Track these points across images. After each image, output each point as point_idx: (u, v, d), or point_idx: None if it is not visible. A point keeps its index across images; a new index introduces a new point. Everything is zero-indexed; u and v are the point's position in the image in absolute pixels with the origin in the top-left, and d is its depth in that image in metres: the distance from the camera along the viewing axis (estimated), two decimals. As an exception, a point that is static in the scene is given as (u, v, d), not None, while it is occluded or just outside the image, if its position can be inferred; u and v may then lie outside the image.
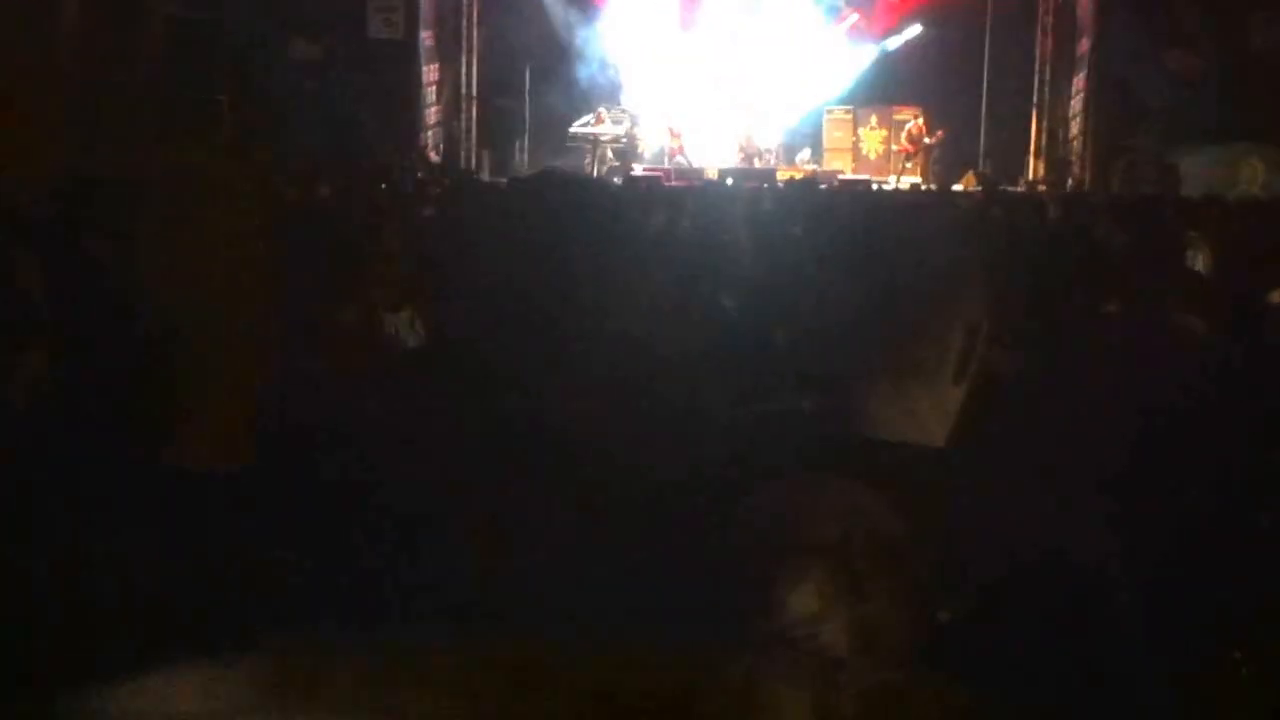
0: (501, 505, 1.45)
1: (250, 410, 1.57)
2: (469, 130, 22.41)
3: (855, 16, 22.59)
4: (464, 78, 22.35)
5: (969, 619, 1.29)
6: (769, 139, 22.55)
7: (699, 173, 20.37)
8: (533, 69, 21.41)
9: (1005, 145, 21.80)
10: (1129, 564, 1.46)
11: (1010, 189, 18.22)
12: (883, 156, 22.52)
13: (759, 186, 13.41)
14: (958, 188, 18.56)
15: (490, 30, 22.09)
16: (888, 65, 22.33)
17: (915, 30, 22.16)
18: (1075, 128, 21.24)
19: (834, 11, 22.66)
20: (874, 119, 22.61)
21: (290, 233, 2.65)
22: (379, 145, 18.88)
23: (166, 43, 15.85)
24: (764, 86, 22.32)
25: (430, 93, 21.50)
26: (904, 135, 21.79)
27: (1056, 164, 21.29)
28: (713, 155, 21.91)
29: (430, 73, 21.39)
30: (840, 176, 20.65)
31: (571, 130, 21.34)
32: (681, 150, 21.84)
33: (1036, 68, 21.90)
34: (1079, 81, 21.07)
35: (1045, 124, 21.87)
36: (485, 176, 19.38)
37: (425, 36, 21.10)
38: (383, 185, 13.01)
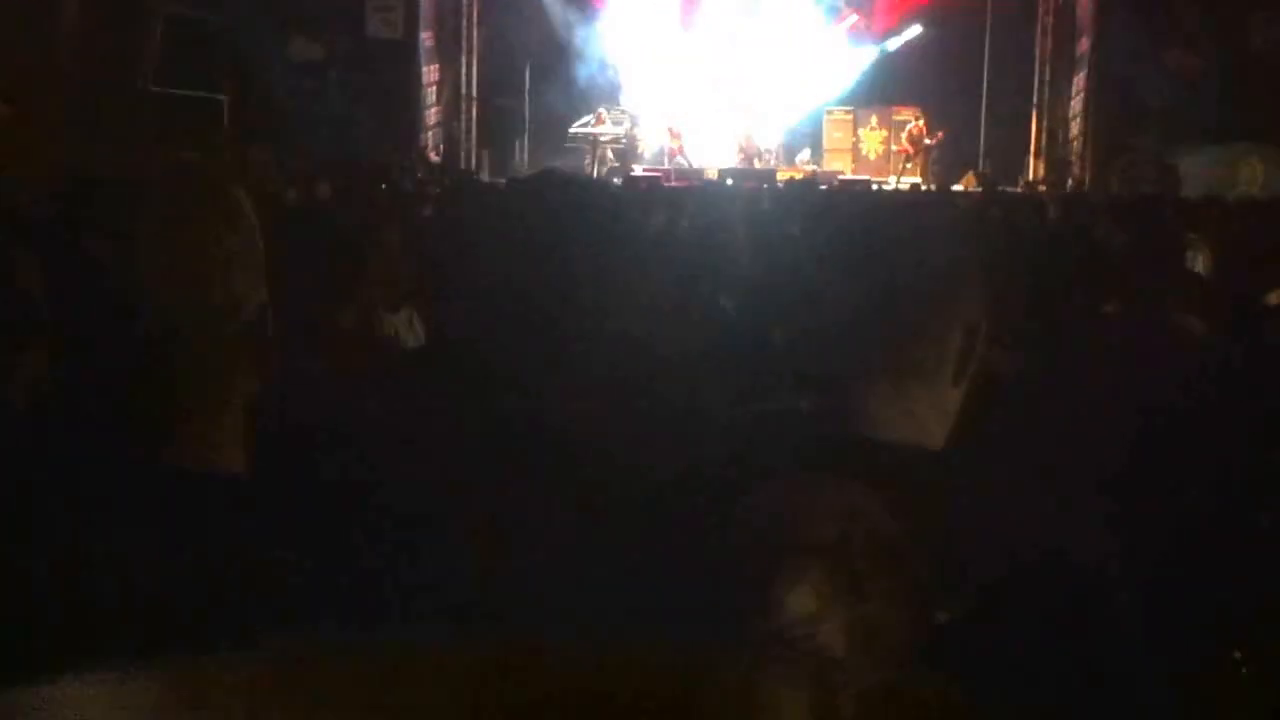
0: (501, 505, 1.46)
1: (250, 410, 1.58)
2: (469, 130, 22.41)
3: (855, 17, 22.58)
4: (464, 78, 22.34)
5: (968, 619, 1.29)
6: (769, 139, 22.53)
7: (699, 173, 20.36)
8: (532, 69, 21.41)
9: (1005, 145, 21.78)
10: (1129, 564, 1.46)
11: (1010, 189, 18.22)
12: (882, 157, 22.50)
13: (758, 187, 13.40)
14: (957, 188, 18.55)
15: (490, 30, 22.09)
16: (887, 65, 22.31)
17: (915, 30, 22.15)
18: (1075, 128, 21.22)
19: (834, 12, 22.65)
20: (874, 119, 22.59)
21: (289, 233, 2.66)
22: (378, 145, 18.88)
23: (166, 43, 15.85)
24: (764, 87, 22.30)
25: (430, 93, 21.49)
26: (904, 136, 21.78)
27: (1056, 164, 21.28)
28: (712, 156, 21.89)
29: (430, 73, 21.38)
30: (840, 177, 20.64)
31: (571, 130, 21.33)
32: (681, 151, 21.83)
33: (1036, 68, 21.89)
34: (1079, 81, 21.05)
35: (1045, 124, 21.85)
36: (485, 177, 19.37)
37: (425, 36, 21.10)
38: (382, 185, 13.00)
